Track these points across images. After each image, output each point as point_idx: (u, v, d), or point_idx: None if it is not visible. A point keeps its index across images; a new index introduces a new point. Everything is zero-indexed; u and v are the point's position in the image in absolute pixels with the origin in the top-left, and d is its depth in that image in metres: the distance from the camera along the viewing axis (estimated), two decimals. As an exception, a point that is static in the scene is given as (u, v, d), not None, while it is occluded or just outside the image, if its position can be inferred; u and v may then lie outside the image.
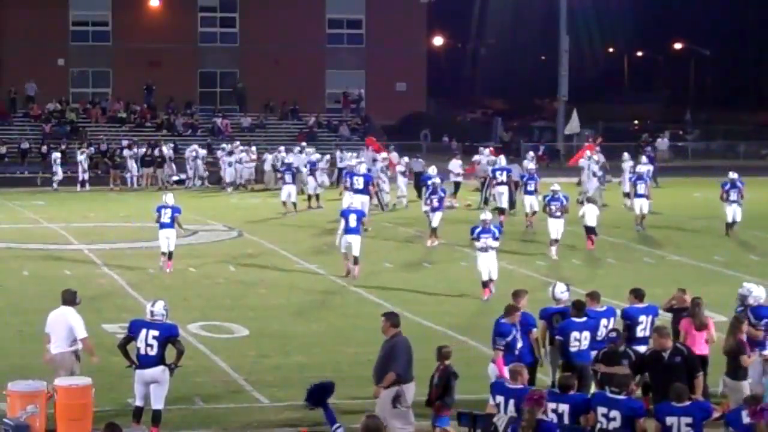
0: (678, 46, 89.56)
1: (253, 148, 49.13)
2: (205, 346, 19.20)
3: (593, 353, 14.92)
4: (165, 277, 25.83)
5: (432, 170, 35.99)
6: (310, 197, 39.41)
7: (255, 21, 66.02)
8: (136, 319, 14.87)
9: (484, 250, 22.90)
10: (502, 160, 37.85)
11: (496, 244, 23.05)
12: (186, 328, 19.50)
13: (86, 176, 46.79)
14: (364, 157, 46.25)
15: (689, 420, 11.61)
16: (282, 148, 47.91)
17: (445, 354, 14.04)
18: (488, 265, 22.99)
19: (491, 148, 44.81)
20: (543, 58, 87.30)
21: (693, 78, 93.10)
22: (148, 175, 48.47)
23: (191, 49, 65.88)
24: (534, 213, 33.24)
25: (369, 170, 37.03)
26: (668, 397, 11.93)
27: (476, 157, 43.55)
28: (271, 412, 15.77)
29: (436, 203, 30.59)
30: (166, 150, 49.11)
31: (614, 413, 11.80)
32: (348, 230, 25.36)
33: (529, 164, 36.53)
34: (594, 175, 40.06)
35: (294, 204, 37.73)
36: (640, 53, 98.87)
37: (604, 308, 15.92)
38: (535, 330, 15.55)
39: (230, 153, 47.68)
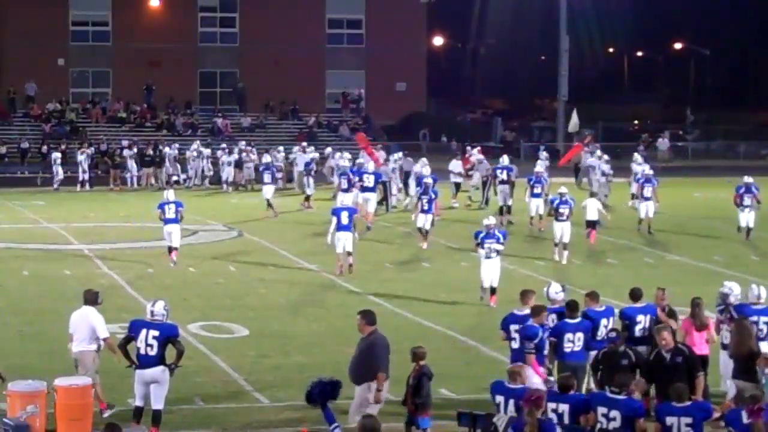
0: (678, 46, 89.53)
1: (253, 149, 49.09)
2: (205, 346, 19.20)
3: (592, 353, 14.93)
4: (165, 277, 25.83)
5: (426, 170, 36.04)
6: (308, 197, 39.44)
7: (255, 21, 66.02)
8: (136, 319, 14.87)
9: (489, 256, 22.35)
10: (504, 159, 37.91)
11: (500, 247, 22.49)
12: (186, 328, 19.50)
13: (86, 176, 46.78)
14: (364, 157, 46.31)
15: (689, 420, 11.62)
16: (280, 148, 47.98)
17: (420, 355, 14.06)
18: (491, 272, 22.44)
19: (479, 148, 44.82)
20: (543, 58, 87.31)
21: (693, 78, 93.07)
22: (148, 175, 48.47)
23: (191, 49, 65.89)
24: (540, 216, 32.63)
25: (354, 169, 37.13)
26: (669, 397, 11.95)
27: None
28: (271, 412, 15.77)
29: (425, 205, 29.89)
30: (170, 150, 49.10)
31: (614, 413, 11.81)
32: (340, 227, 25.82)
33: (537, 166, 35.72)
34: (603, 174, 40.15)
35: (268, 202, 36.71)
36: (640, 53, 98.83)
37: (603, 308, 15.92)
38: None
39: (229, 152, 47.70)
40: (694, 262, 28.31)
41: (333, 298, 23.49)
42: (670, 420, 11.68)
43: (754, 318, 15.43)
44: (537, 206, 33.04)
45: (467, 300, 23.00)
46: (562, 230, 27.69)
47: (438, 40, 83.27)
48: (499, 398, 12.38)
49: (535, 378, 14.07)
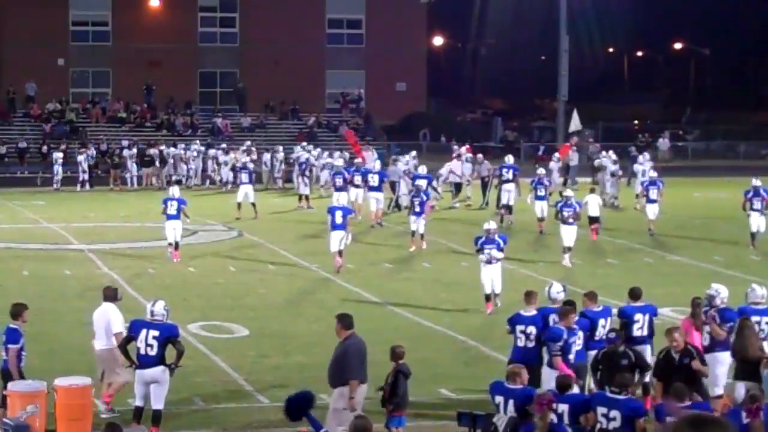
0: (678, 46, 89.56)
1: (253, 149, 49.06)
2: (205, 346, 19.21)
3: (592, 353, 14.93)
4: (165, 277, 25.84)
5: (422, 169, 36.13)
6: (307, 197, 39.42)
7: (255, 21, 66.01)
8: (136, 319, 14.89)
9: (488, 262, 21.80)
10: (509, 158, 37.91)
11: (500, 255, 21.87)
12: (186, 328, 19.50)
13: (86, 176, 46.80)
14: (371, 157, 46.31)
15: (689, 420, 11.61)
16: (279, 148, 47.98)
17: (398, 354, 14.08)
18: (492, 277, 21.87)
19: (467, 146, 44.88)
20: (543, 58, 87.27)
21: (693, 78, 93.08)
22: (148, 175, 48.49)
23: (191, 49, 65.88)
24: (542, 218, 32.41)
25: (349, 168, 37.14)
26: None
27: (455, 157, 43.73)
28: (271, 412, 15.76)
29: (417, 207, 29.51)
30: (175, 150, 49.08)
31: (614, 413, 11.82)
32: (334, 226, 26.28)
33: (539, 169, 35.51)
34: (612, 175, 40.21)
35: (253, 204, 35.89)
36: (640, 53, 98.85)
37: (601, 308, 15.92)
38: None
39: (227, 152, 47.73)
40: (694, 262, 28.31)
41: (333, 298, 23.48)
42: (670, 420, 11.68)
43: (756, 318, 15.44)
44: (541, 208, 32.61)
45: (467, 300, 22.99)
46: (570, 234, 27.22)
47: (438, 40, 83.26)
48: (499, 398, 12.38)
49: (553, 382, 14.05)
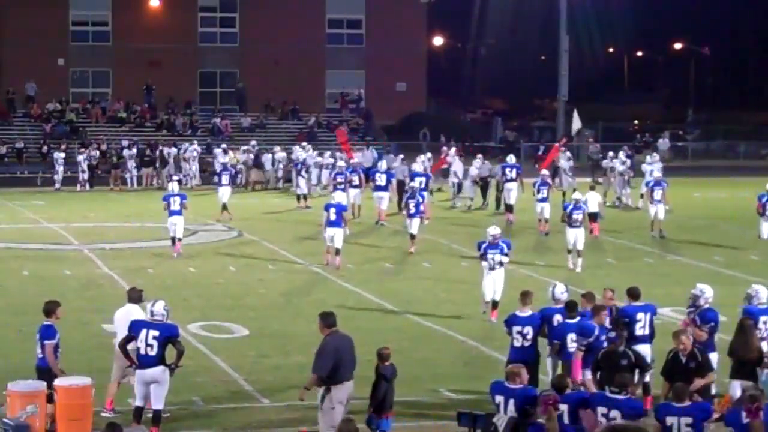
0: (678, 46, 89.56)
1: (251, 149, 49.07)
2: (205, 346, 19.21)
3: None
4: (165, 277, 25.83)
5: (418, 167, 36.18)
6: (305, 197, 39.38)
7: (255, 21, 66.00)
8: (136, 319, 14.88)
9: (493, 268, 21.14)
10: (511, 158, 38.00)
11: (506, 260, 21.34)
12: (186, 328, 19.51)
13: (86, 176, 46.82)
14: (364, 157, 46.33)
15: (689, 420, 11.63)
16: (277, 148, 47.94)
17: (381, 355, 14.08)
18: (494, 285, 21.22)
19: (456, 148, 45.03)
20: (543, 58, 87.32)
21: (693, 78, 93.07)
22: (148, 175, 48.50)
23: (191, 49, 65.86)
24: (546, 220, 32.09)
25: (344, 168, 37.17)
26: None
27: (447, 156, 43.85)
28: (271, 412, 15.78)
29: (413, 209, 29.17)
30: (175, 150, 49.07)
31: (614, 413, 11.82)
32: (329, 223, 26.52)
33: (543, 170, 35.08)
34: (621, 174, 40.26)
35: (223, 205, 35.42)
36: (640, 53, 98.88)
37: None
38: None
39: (226, 152, 47.78)
40: (694, 262, 28.30)
41: (333, 298, 23.45)
42: (670, 420, 11.68)
43: (765, 318, 15.47)
44: (542, 209, 32.27)
45: (467, 300, 22.99)
46: (576, 237, 26.64)
47: (438, 40, 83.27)
48: (499, 398, 12.38)
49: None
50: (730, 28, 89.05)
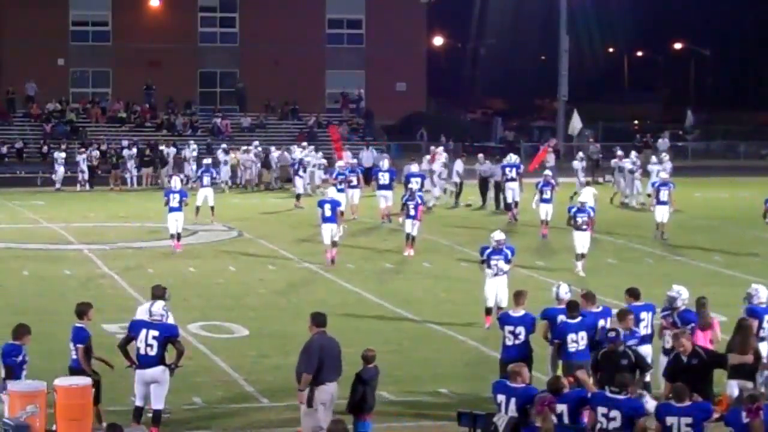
0: (678, 46, 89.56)
1: (251, 149, 49.06)
2: (205, 346, 19.20)
3: (592, 353, 14.93)
4: (165, 277, 25.77)
5: (414, 168, 36.21)
6: (299, 196, 39.39)
7: (255, 21, 66.01)
8: (136, 319, 14.88)
9: (496, 274, 20.51)
10: (512, 156, 38.09)
11: (507, 267, 20.69)
12: (186, 328, 19.51)
13: (86, 176, 46.83)
14: (364, 156, 46.36)
15: (689, 420, 11.63)
16: (272, 148, 47.91)
17: (364, 357, 14.03)
18: (497, 291, 20.54)
19: (443, 147, 45.32)
20: (543, 58, 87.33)
21: (693, 78, 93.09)
22: (148, 175, 48.50)
23: (191, 49, 65.88)
24: (547, 222, 31.69)
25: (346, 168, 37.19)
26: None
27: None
28: (271, 412, 15.78)
29: (411, 211, 28.88)
30: (187, 152, 49.07)
31: (614, 413, 11.82)
32: (325, 219, 26.94)
33: (546, 170, 34.79)
34: (631, 172, 40.32)
35: (211, 208, 34.77)
36: (640, 53, 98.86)
37: (600, 309, 15.91)
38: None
39: (227, 152, 47.80)
40: (694, 262, 28.31)
41: (333, 298, 23.47)
42: (670, 420, 11.68)
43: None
44: (546, 212, 31.80)
45: (467, 300, 22.98)
46: (583, 241, 26.19)
47: (438, 40, 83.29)
48: (501, 397, 12.41)
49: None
50: (730, 28, 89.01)
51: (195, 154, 48.89)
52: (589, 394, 12.52)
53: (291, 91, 62.35)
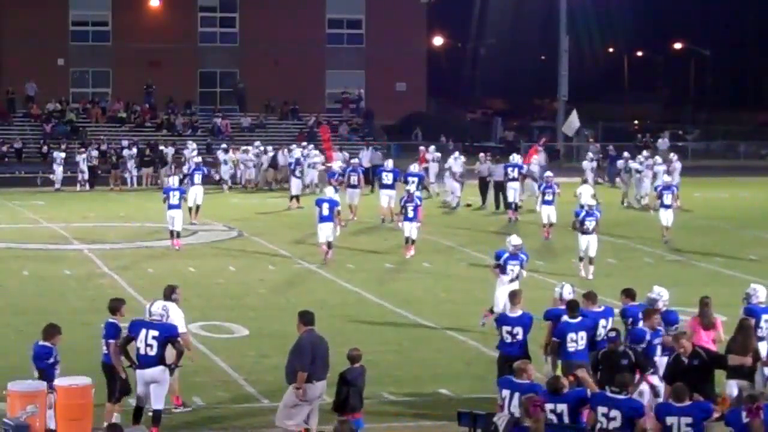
0: (678, 46, 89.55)
1: (249, 148, 49.05)
2: (205, 346, 19.19)
3: (592, 353, 14.93)
4: (165, 277, 25.77)
5: (413, 168, 36.21)
6: (297, 197, 39.30)
7: (255, 21, 66.02)
8: (136, 319, 14.88)
9: (512, 280, 20.06)
10: (514, 156, 38.12)
11: (524, 274, 20.50)
12: (186, 328, 19.45)
13: (85, 176, 46.83)
14: (364, 156, 46.33)
15: (689, 420, 11.63)
16: (269, 148, 47.92)
17: (350, 357, 14.03)
18: (507, 297, 19.92)
19: (433, 146, 45.61)
20: (543, 58, 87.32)
21: (693, 78, 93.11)
22: (148, 175, 48.50)
23: (191, 49, 65.88)
24: (551, 225, 31.46)
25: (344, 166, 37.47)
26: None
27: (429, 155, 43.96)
28: (271, 412, 15.74)
29: (410, 213, 28.57)
30: (187, 152, 49.08)
31: (614, 413, 11.82)
32: (322, 218, 27.16)
33: (547, 171, 34.61)
34: (638, 172, 40.37)
35: (197, 207, 34.42)
36: (640, 53, 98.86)
37: (602, 308, 15.90)
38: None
39: (227, 151, 47.79)
40: (693, 262, 28.30)
41: (333, 298, 23.48)
42: (670, 420, 11.69)
43: (766, 316, 15.48)
44: (548, 214, 31.58)
45: (467, 300, 22.99)
46: (588, 243, 25.83)
47: (438, 40, 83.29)
48: (505, 392, 12.51)
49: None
50: (730, 28, 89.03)
51: (195, 153, 48.84)
52: (590, 394, 12.52)
53: (291, 91, 62.37)
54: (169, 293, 15.85)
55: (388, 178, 35.25)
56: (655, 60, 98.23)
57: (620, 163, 42.50)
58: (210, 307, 22.47)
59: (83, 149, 48.46)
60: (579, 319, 15.35)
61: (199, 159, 39.92)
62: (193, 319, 20.83)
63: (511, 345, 15.51)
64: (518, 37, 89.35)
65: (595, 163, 43.87)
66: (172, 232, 29.72)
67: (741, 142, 67.78)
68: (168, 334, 14.39)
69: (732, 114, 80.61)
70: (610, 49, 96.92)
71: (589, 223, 25.94)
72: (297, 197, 39.17)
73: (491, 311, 20.32)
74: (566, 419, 12.09)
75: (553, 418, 12.05)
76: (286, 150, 46.71)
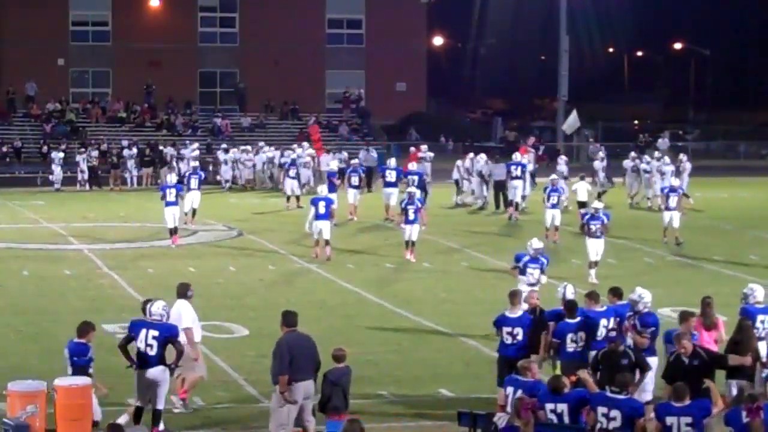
0: (678, 46, 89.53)
1: (249, 148, 49.04)
2: (205, 346, 19.16)
3: (592, 353, 14.92)
4: (165, 277, 25.80)
5: (411, 166, 36.25)
6: (297, 197, 39.25)
7: (255, 21, 66.00)
8: (136, 319, 14.89)
9: (531, 283, 19.62)
10: (517, 155, 38.14)
11: (544, 279, 20.05)
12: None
13: (85, 176, 46.84)
14: (364, 156, 46.31)
15: (689, 420, 11.64)
16: (267, 148, 47.93)
17: (333, 357, 13.94)
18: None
19: (426, 146, 45.65)
20: (543, 58, 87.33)
21: (693, 78, 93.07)
22: (148, 175, 48.51)
23: (191, 49, 65.87)
24: (556, 228, 30.88)
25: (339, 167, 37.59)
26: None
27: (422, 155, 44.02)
28: (271, 412, 15.76)
29: (411, 215, 28.05)
30: (186, 152, 49.04)
31: (614, 413, 11.82)
32: (318, 216, 27.54)
33: (553, 175, 33.84)
34: (646, 172, 40.35)
35: (194, 211, 33.74)
36: (640, 53, 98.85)
37: (604, 308, 15.89)
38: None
39: (227, 151, 47.76)
40: (693, 262, 28.28)
41: (333, 298, 23.49)
42: (669, 420, 11.69)
43: (762, 317, 15.49)
44: (553, 217, 30.96)
45: (467, 300, 22.99)
46: (596, 248, 25.45)
47: (438, 40, 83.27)
48: (509, 389, 12.58)
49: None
50: (730, 28, 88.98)
51: (194, 154, 48.83)
52: (590, 394, 12.52)
53: (291, 91, 62.34)
54: (183, 291, 15.91)
55: (391, 176, 35.45)
56: (655, 60, 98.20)
57: (627, 163, 42.47)
58: (210, 307, 22.42)
59: (83, 149, 48.46)
60: (578, 319, 15.36)
61: (197, 163, 39.84)
62: (193, 319, 20.86)
63: (511, 346, 15.49)
64: (518, 37, 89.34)
65: (605, 163, 43.81)
66: (170, 230, 29.98)
67: (741, 142, 67.80)
68: (168, 334, 14.40)
69: (732, 114, 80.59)
70: (610, 49, 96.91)
71: (594, 226, 25.58)
72: (297, 197, 39.13)
73: None
74: (566, 419, 12.09)
75: (554, 417, 12.05)
76: (284, 150, 46.77)
